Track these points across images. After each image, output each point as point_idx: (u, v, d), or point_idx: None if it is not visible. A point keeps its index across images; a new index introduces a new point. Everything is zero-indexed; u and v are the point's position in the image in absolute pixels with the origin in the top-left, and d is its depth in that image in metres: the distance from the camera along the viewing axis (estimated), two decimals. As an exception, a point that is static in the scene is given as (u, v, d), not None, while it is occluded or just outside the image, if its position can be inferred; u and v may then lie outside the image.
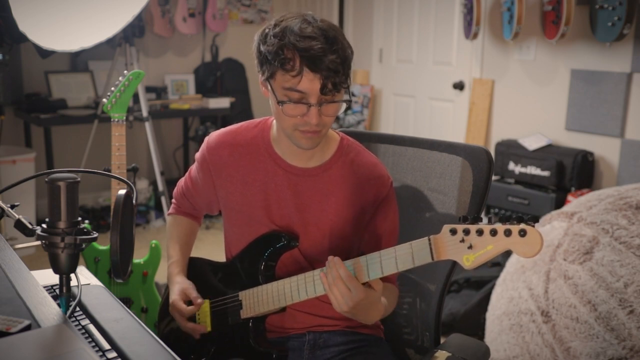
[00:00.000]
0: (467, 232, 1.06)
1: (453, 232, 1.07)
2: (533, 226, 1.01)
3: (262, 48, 1.26)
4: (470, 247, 1.06)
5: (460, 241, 1.06)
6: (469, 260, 1.06)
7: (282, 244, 1.37)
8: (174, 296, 1.42)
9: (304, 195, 1.38)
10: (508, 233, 1.02)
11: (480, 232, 1.04)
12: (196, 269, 1.53)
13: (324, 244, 1.39)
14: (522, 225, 1.01)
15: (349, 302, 1.18)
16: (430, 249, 1.11)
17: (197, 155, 1.48)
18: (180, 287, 1.44)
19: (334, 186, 1.38)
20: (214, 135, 1.46)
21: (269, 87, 1.28)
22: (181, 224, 1.59)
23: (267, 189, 1.39)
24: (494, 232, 1.03)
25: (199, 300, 1.40)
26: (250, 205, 1.40)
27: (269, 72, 1.25)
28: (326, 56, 1.20)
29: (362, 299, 1.18)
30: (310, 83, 1.21)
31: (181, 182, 1.59)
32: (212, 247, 3.85)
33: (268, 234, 1.39)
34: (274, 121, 1.40)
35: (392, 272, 1.17)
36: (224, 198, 1.44)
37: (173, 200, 1.62)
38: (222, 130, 1.47)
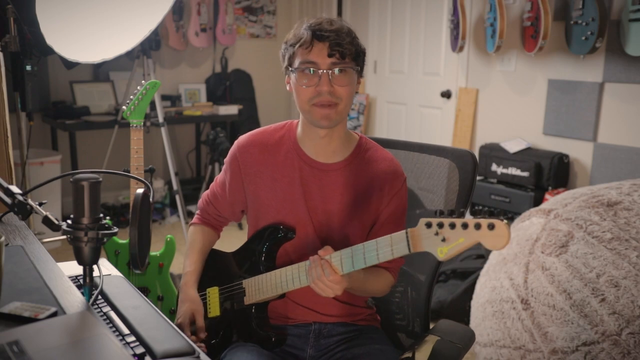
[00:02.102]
0: (440, 225, 1.02)
1: (428, 225, 1.04)
2: (502, 220, 0.98)
3: (284, 45, 1.32)
4: (443, 239, 1.02)
5: (435, 234, 1.03)
6: (442, 252, 1.02)
7: (280, 235, 1.37)
8: (182, 319, 1.36)
9: (327, 188, 1.37)
10: (478, 226, 0.99)
11: (452, 226, 1.01)
12: (208, 258, 1.53)
13: (344, 232, 1.38)
14: (491, 220, 0.98)
15: (330, 294, 1.21)
16: (408, 241, 1.08)
17: (227, 158, 1.46)
18: (191, 309, 1.38)
19: (354, 179, 1.38)
20: (243, 136, 1.45)
21: (290, 74, 1.32)
22: (202, 233, 1.53)
23: (294, 183, 1.38)
24: (465, 226, 1.00)
25: (202, 335, 1.35)
26: (277, 199, 1.39)
27: (289, 57, 1.30)
28: (332, 27, 1.26)
29: (343, 289, 1.21)
30: (319, 52, 1.26)
31: (206, 192, 1.55)
32: (218, 242, 3.83)
33: (268, 227, 1.39)
34: (299, 122, 1.41)
35: (373, 263, 1.15)
36: (252, 193, 1.42)
37: (197, 212, 1.58)
38: (251, 132, 1.46)
